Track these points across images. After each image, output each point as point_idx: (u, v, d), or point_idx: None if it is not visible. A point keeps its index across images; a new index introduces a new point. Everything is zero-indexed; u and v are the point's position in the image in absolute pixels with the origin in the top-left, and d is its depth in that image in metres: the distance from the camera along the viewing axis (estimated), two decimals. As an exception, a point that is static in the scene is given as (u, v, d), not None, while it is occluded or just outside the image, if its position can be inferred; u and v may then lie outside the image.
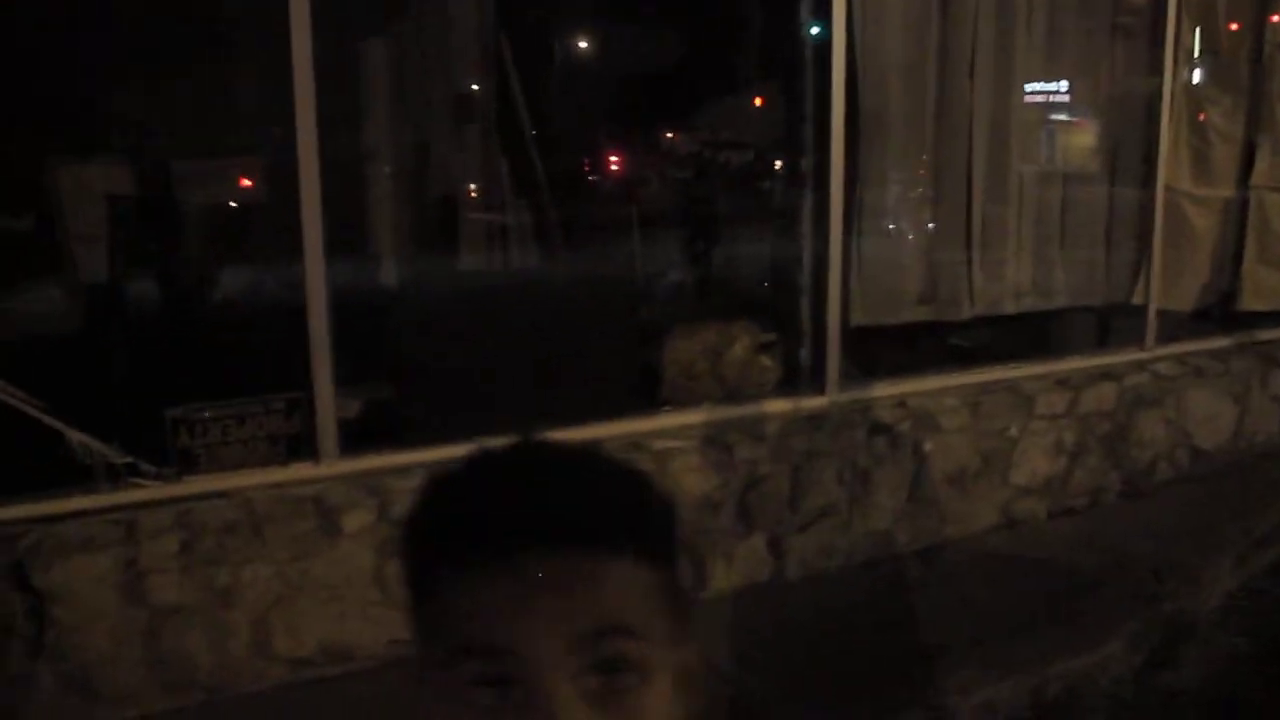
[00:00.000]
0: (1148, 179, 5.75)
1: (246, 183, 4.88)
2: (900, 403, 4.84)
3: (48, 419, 3.56)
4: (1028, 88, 5.40)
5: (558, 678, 0.76)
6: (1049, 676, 3.98)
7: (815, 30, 4.75)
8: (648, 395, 4.79)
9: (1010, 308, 5.33)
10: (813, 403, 4.76)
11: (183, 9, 4.24)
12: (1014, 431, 5.10)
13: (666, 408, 4.70)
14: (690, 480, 4.34)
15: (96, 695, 3.49)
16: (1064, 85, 5.69)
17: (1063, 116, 5.74)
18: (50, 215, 4.26)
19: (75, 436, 3.59)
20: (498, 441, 0.89)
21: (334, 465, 3.93)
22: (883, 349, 5.03)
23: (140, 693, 3.56)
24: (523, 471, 0.86)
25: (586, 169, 6.49)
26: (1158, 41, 5.62)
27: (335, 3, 3.90)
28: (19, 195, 4.11)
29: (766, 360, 4.91)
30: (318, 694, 3.75)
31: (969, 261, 5.20)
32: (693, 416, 4.59)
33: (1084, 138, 5.79)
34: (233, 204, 4.85)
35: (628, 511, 0.84)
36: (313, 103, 3.78)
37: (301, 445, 3.92)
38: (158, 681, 3.58)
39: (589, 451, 0.88)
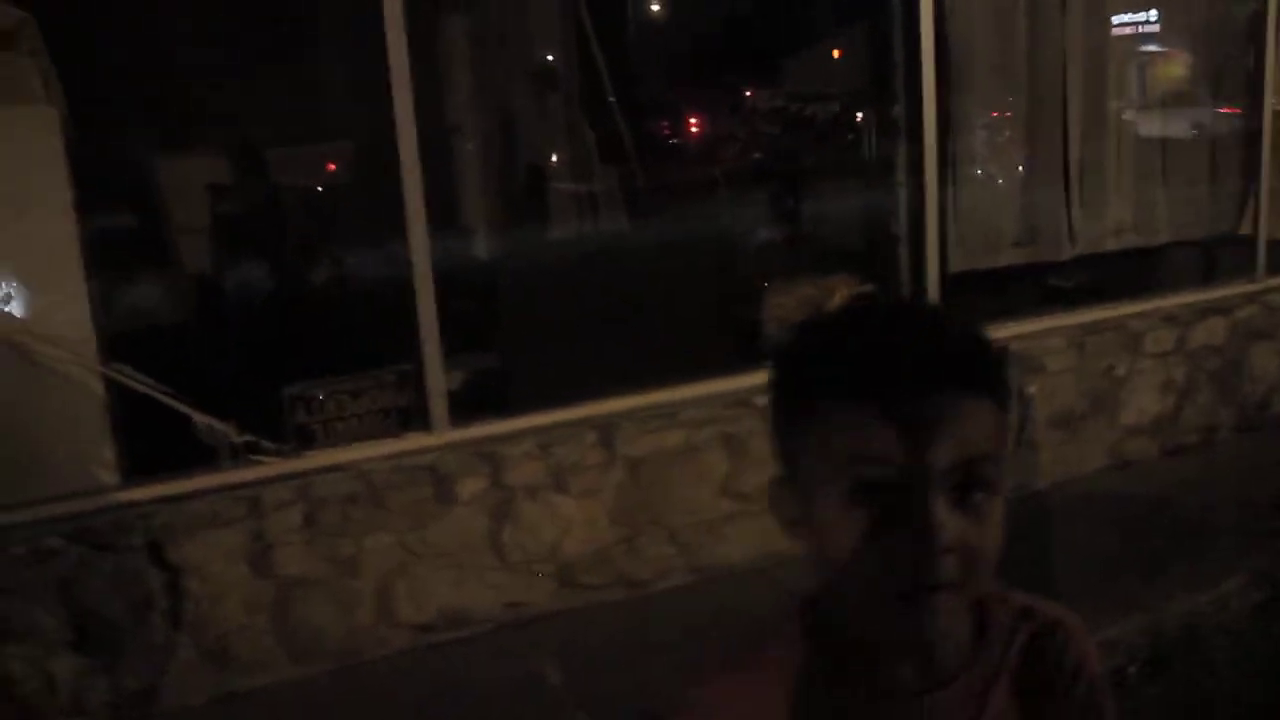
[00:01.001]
0: (1253, 103, 5.57)
1: (346, 164, 4.97)
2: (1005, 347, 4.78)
3: (173, 403, 3.69)
4: (1120, 18, 5.25)
5: (936, 490, 0.91)
6: (1168, 615, 3.93)
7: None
8: (750, 352, 4.80)
9: (1112, 245, 5.21)
10: (914, 352, 4.72)
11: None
12: (1121, 371, 5.01)
13: (769, 363, 4.68)
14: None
15: (231, 664, 3.63)
16: (1157, 14, 5.52)
17: (1158, 46, 5.57)
18: (157, 209, 4.38)
19: (199, 418, 3.71)
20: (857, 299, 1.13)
21: (445, 435, 4.00)
22: (984, 294, 4.96)
23: (272, 661, 3.70)
24: (910, 322, 1.02)
25: (672, 131, 6.48)
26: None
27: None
28: (129, 191, 4.22)
29: (866, 311, 4.88)
30: (440, 658, 3.86)
31: (1067, 201, 5.10)
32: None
33: (1182, 66, 5.61)
34: (334, 185, 4.95)
35: (991, 362, 0.99)
36: (409, 80, 3.83)
37: (413, 417, 4.00)
38: (287, 650, 3.71)
39: (946, 311, 1.09)
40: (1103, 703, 1.12)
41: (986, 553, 0.94)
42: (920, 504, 0.91)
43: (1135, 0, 5.33)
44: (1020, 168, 5.14)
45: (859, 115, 5.44)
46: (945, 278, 4.78)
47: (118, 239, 3.78)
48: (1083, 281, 5.18)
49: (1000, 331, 4.80)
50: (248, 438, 3.77)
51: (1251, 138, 5.60)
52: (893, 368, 0.93)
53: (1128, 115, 5.38)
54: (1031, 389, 4.78)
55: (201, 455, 3.71)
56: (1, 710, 3.42)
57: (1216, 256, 5.73)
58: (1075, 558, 4.22)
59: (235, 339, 4.17)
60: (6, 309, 3.54)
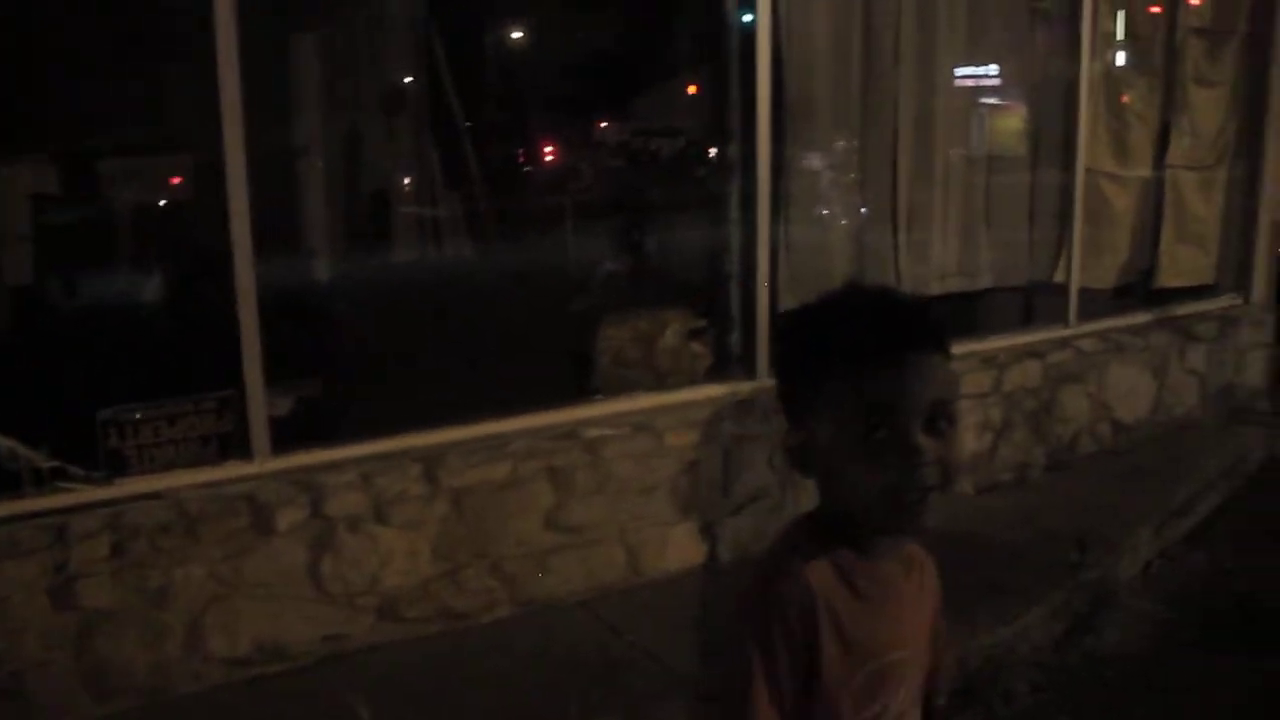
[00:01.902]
0: (1068, 160, 5.86)
1: (175, 180, 4.83)
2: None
3: (-29, 424, 3.53)
4: (951, 72, 5.48)
5: (914, 424, 1.30)
6: (974, 648, 4.08)
7: (745, 18, 4.79)
8: (581, 384, 4.83)
9: (936, 288, 5.42)
10: (744, 387, 4.82)
11: (108, 5, 4.17)
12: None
13: (599, 396, 4.74)
14: (623, 467, 4.39)
15: (29, 704, 3.47)
16: (987, 70, 5.78)
17: (986, 100, 5.83)
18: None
19: (0, 440, 3.56)
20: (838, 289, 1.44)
21: (266, 463, 3.92)
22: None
23: (74, 700, 3.55)
24: (891, 302, 1.41)
25: (518, 159, 6.49)
26: (1077, 26, 5.72)
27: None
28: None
29: (698, 346, 4.97)
30: (254, 694, 3.76)
31: (895, 244, 5.28)
32: (625, 404, 4.63)
33: (1006, 121, 5.89)
34: (162, 202, 4.80)
35: (944, 328, 1.38)
36: (239, 99, 3.75)
37: (233, 444, 3.91)
38: (90, 688, 3.57)
39: (909, 293, 1.49)
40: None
41: (956, 464, 1.33)
42: (909, 433, 1.29)
43: (970, 54, 5.54)
44: (853, 209, 5.30)
45: (701, 152, 5.53)
46: (775, 314, 4.88)
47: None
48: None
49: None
50: (54, 463, 3.63)
51: (1067, 192, 5.90)
52: (890, 335, 1.32)
53: (956, 164, 5.59)
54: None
55: (2, 480, 3.56)
56: None
57: (1033, 302, 6.01)
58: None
59: (47, 357, 4.00)
60: None
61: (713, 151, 5.20)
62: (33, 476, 3.60)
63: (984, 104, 5.81)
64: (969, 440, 5.31)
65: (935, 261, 5.48)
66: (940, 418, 1.31)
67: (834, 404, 1.32)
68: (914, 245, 5.34)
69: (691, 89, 6.08)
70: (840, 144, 5.15)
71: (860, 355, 1.31)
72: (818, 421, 1.36)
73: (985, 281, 5.65)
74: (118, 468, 3.71)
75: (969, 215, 5.62)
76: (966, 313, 5.66)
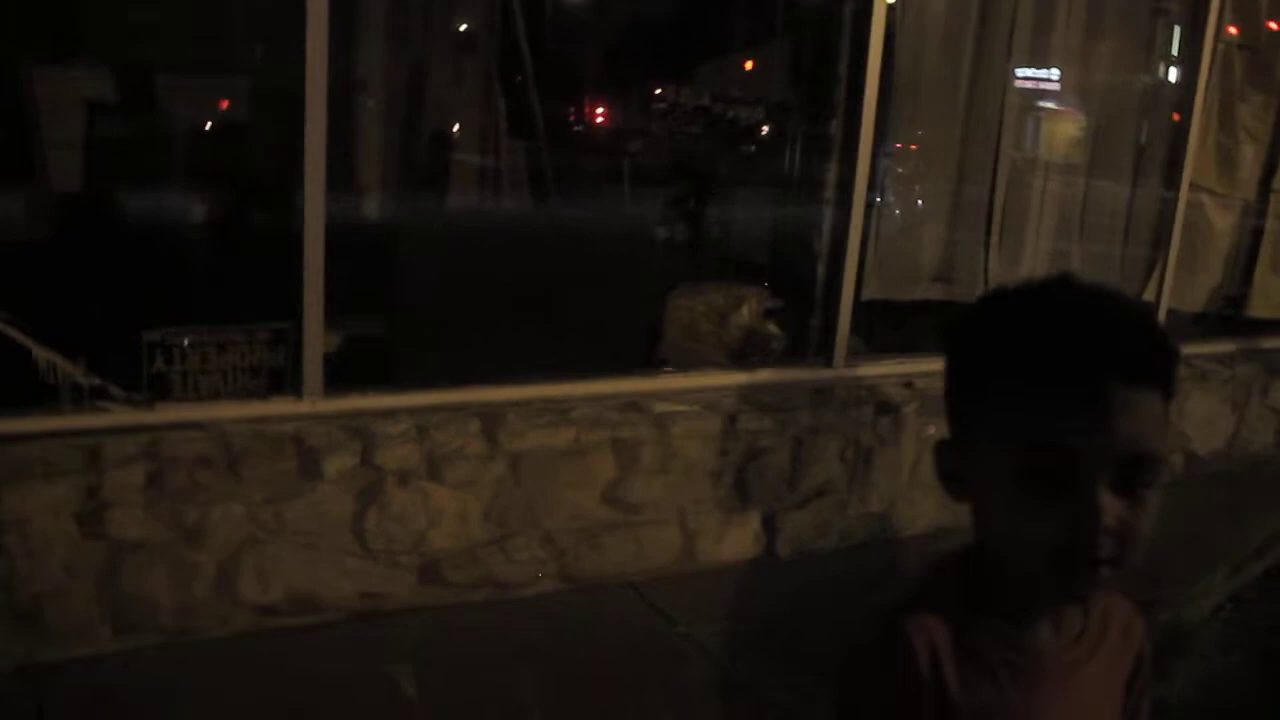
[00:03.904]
0: (1173, 174, 5.58)
1: (247, 103, 4.58)
2: (908, 383, 4.65)
3: (12, 331, 3.29)
4: (1063, 72, 5.19)
5: (1102, 478, 1.00)
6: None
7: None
8: (649, 354, 4.58)
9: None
10: (819, 375, 4.57)
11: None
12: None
13: (667, 368, 4.48)
14: (690, 446, 4.13)
15: (45, 631, 3.24)
16: (1100, 73, 5.47)
17: (1095, 105, 5.51)
18: (27, 119, 3.95)
19: (40, 352, 3.32)
20: (1047, 278, 1.10)
21: (317, 403, 3.69)
22: (894, 324, 4.83)
23: (93, 631, 3.32)
24: (1094, 313, 1.04)
25: (589, 117, 6.22)
26: (1198, 33, 5.42)
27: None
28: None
29: (773, 327, 4.71)
30: (282, 644, 3.52)
31: (988, 244, 5.01)
32: (694, 380, 4.38)
33: (1113, 128, 5.57)
34: (232, 123, 4.55)
35: (1167, 357, 1.05)
36: (325, 29, 3.51)
37: (285, 380, 3.68)
38: (112, 620, 3.34)
39: (1133, 300, 1.10)
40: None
41: (1142, 539, 1.03)
42: (1090, 488, 1.00)
43: (1085, 53, 5.24)
44: (949, 203, 5.02)
45: (790, 126, 5.25)
46: (858, 303, 4.63)
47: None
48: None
49: (906, 367, 4.68)
50: (95, 381, 3.39)
51: (1167, 207, 5.61)
52: (1094, 354, 1.01)
53: (1056, 169, 5.31)
54: (931, 430, 4.66)
55: (39, 395, 3.32)
56: None
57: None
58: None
59: (97, 271, 3.75)
60: None
61: (807, 127, 4.92)
62: (71, 393, 3.37)
63: (1092, 109, 5.49)
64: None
65: (1025, 266, 5.20)
66: (1139, 474, 1.01)
67: (1004, 429, 1.04)
68: (1006, 247, 5.07)
69: (778, 59, 5.76)
70: (942, 135, 4.86)
71: (1047, 374, 1.01)
72: (981, 445, 1.07)
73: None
74: (161, 392, 3.48)
75: (1064, 222, 5.34)
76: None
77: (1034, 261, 5.23)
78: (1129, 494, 1.01)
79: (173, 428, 3.42)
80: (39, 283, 3.52)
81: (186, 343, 3.53)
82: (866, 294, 4.70)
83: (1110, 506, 1.00)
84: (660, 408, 4.14)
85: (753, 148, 6.00)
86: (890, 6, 4.47)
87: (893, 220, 4.77)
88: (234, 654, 3.43)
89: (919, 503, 4.64)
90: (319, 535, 3.58)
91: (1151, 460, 1.02)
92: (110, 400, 3.41)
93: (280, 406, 3.64)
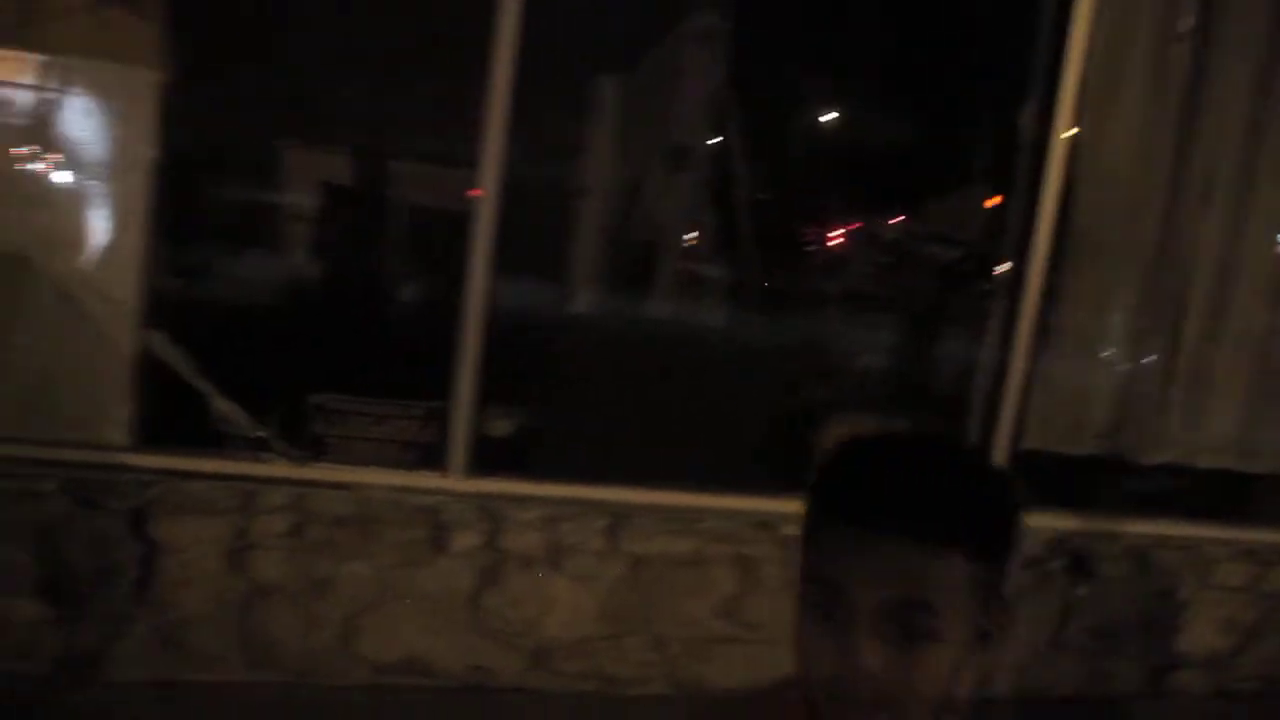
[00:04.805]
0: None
1: (439, 190, 4.98)
2: (1060, 539, 4.50)
3: (197, 380, 3.69)
4: (1271, 219, 4.93)
5: (866, 620, 1.03)
6: None
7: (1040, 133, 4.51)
8: (791, 476, 4.62)
9: (1205, 462, 4.88)
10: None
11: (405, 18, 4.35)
12: (1183, 595, 4.67)
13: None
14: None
15: (185, 652, 3.58)
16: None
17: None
18: (239, 188, 4.45)
19: (219, 402, 3.71)
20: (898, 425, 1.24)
21: (458, 481, 3.93)
22: (1053, 479, 4.69)
23: (226, 659, 3.63)
24: (901, 464, 1.10)
25: (789, 239, 6.35)
26: None
27: (548, 29, 3.93)
28: (213, 165, 4.29)
29: (924, 465, 4.66)
30: (395, 703, 3.74)
31: (1165, 402, 4.80)
32: (832, 507, 4.38)
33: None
34: (420, 210, 4.96)
35: (972, 516, 1.07)
36: (504, 128, 3.83)
37: (431, 455, 3.94)
38: (244, 652, 3.64)
39: (966, 452, 1.24)
40: None
41: (919, 692, 1.05)
42: (849, 628, 1.04)
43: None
44: (1124, 357, 4.86)
45: (977, 266, 5.24)
46: (1016, 452, 4.53)
47: (188, 209, 3.83)
48: (1160, 489, 4.85)
49: (1057, 523, 4.53)
50: (261, 433, 3.76)
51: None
52: (860, 500, 1.06)
53: (1258, 324, 5.00)
54: (1081, 590, 4.49)
55: (211, 439, 3.71)
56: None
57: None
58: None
59: (278, 334, 4.17)
60: (65, 253, 3.61)
61: (983, 267, 4.91)
62: (239, 442, 3.74)
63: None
64: (1207, 635, 4.73)
65: (1212, 431, 4.93)
66: (915, 630, 1.04)
67: (801, 558, 1.12)
68: (1188, 408, 4.83)
69: (988, 202, 5.76)
70: (1124, 282, 4.72)
71: (838, 516, 1.08)
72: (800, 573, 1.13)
73: (1264, 465, 5.04)
74: (316, 452, 3.81)
75: (1263, 386, 5.04)
76: (1235, 494, 5.06)
77: (1222, 425, 4.92)
78: (902, 641, 1.04)
79: (321, 485, 3.73)
80: (226, 339, 3.94)
81: (346, 410, 3.85)
82: (1027, 444, 4.59)
83: (871, 648, 1.03)
84: (789, 529, 4.16)
85: (939, 284, 5.98)
86: (1072, 146, 4.43)
87: (1061, 368, 4.63)
88: (349, 703, 3.67)
89: (1059, 664, 4.46)
90: (439, 605, 3.80)
91: (917, 610, 1.03)
92: (271, 453, 3.76)
93: (423, 480, 3.89)
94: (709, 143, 5.85)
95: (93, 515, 3.50)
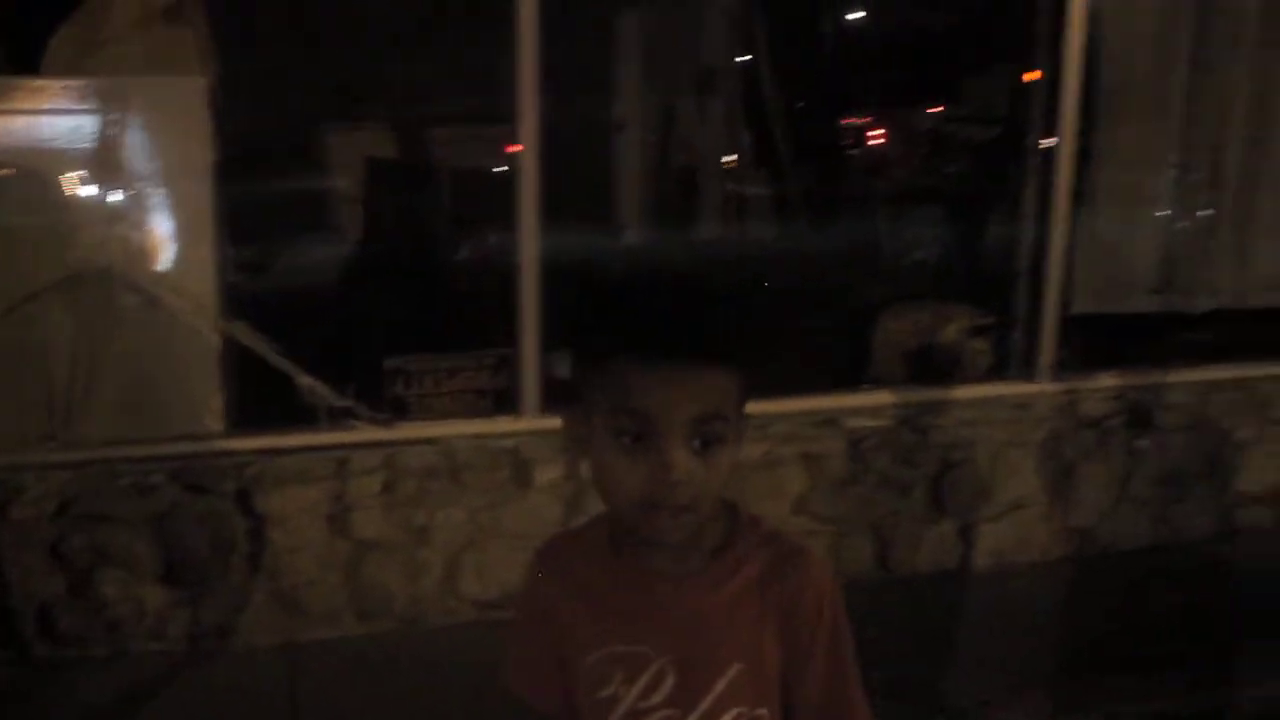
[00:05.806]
0: None
1: (480, 149, 5.12)
2: (1117, 396, 4.62)
3: (280, 362, 3.93)
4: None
5: (676, 438, 1.21)
6: (1259, 695, 3.75)
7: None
8: (853, 372, 4.78)
9: (1255, 302, 4.93)
10: (1023, 389, 4.61)
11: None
12: (1242, 435, 4.78)
13: (867, 386, 4.67)
14: (881, 460, 4.32)
15: (302, 614, 3.87)
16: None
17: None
18: (288, 178, 4.62)
19: (302, 379, 3.94)
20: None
21: (533, 421, 4.13)
22: (1106, 339, 4.79)
23: (340, 616, 3.92)
24: (682, 297, 1.29)
25: (825, 143, 6.39)
26: None
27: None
28: (267, 162, 4.47)
29: (979, 344, 4.79)
30: (500, 636, 3.99)
31: (1209, 248, 4.85)
32: (892, 396, 4.53)
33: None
34: (468, 168, 5.11)
35: (738, 336, 1.28)
36: (535, 75, 3.96)
37: (505, 400, 4.15)
38: (354, 607, 3.93)
39: (704, 283, 1.32)
40: (844, 632, 1.37)
41: (711, 488, 1.26)
42: (661, 447, 1.21)
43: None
44: (1166, 210, 4.91)
45: (1011, 142, 5.26)
46: (1065, 318, 4.63)
47: (251, 204, 4.02)
48: (1213, 335, 4.91)
49: (1114, 381, 4.64)
50: (345, 403, 3.99)
51: None
52: (657, 338, 1.22)
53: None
54: (1143, 444, 4.62)
55: (300, 415, 3.95)
56: (94, 627, 3.74)
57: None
58: (1165, 623, 4.06)
59: (347, 308, 4.39)
60: (144, 261, 3.84)
61: (1016, 141, 4.94)
62: (325, 414, 3.98)
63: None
64: (1269, 470, 4.84)
65: (1260, 270, 4.96)
66: (709, 436, 1.23)
67: (604, 397, 1.24)
68: (1233, 250, 4.87)
69: (1026, 76, 5.75)
70: (1158, 134, 4.74)
71: (627, 354, 1.22)
72: (593, 413, 1.27)
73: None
74: (398, 413, 4.03)
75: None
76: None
77: (1271, 263, 4.98)
78: (701, 452, 1.22)
79: (407, 443, 3.97)
80: (303, 318, 4.17)
81: (420, 370, 4.07)
82: (1077, 308, 4.68)
83: (681, 461, 1.21)
84: (852, 423, 4.34)
85: (971, 166, 6.02)
86: (1090, 9, 4.45)
87: (1102, 229, 4.69)
88: (457, 642, 3.94)
89: (1128, 518, 4.62)
90: (531, 537, 4.00)
91: (713, 422, 1.22)
92: (357, 419, 4.00)
93: (500, 424, 4.12)
94: (737, 60, 5.91)
95: (201, 499, 3.78)
